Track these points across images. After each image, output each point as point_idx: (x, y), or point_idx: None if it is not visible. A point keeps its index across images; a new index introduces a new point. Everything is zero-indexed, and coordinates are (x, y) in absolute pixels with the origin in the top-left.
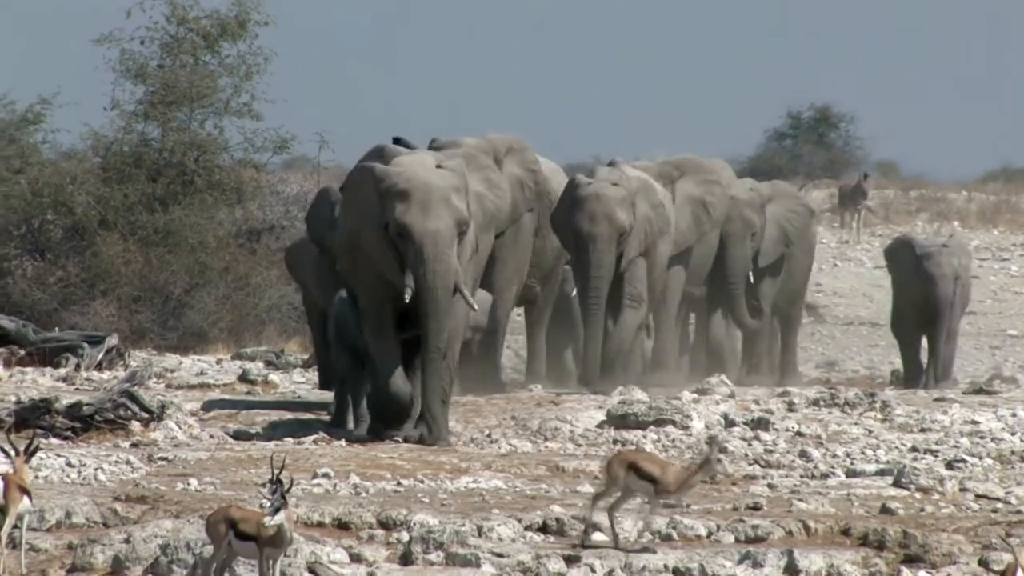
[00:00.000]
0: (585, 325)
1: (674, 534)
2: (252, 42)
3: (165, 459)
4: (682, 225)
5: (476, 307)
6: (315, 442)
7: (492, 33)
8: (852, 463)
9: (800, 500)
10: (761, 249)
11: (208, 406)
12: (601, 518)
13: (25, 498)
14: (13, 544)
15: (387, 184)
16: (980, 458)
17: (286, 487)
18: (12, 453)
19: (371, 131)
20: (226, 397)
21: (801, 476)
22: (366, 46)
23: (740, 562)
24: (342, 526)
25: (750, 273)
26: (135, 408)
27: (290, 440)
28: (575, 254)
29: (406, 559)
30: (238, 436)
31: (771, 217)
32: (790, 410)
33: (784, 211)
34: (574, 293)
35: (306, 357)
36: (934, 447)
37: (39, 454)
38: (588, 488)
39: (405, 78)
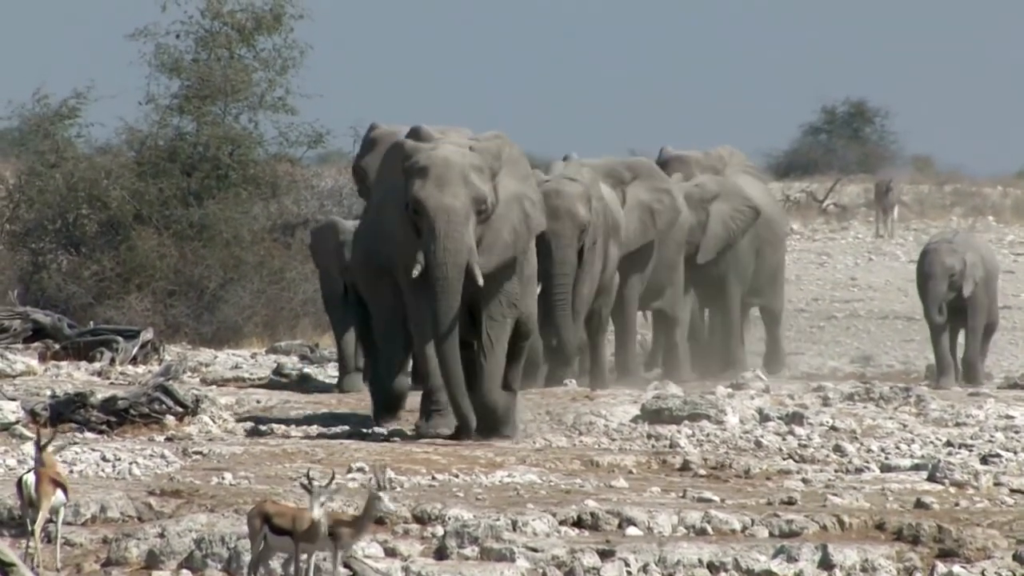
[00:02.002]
0: (555, 323)
1: (708, 528)
2: (287, 36)
3: (199, 453)
4: (628, 229)
5: (482, 283)
6: (349, 436)
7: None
8: (887, 458)
9: (834, 495)
10: (701, 245)
11: (243, 400)
12: (636, 512)
13: (59, 491)
14: (48, 538)
15: (411, 161)
16: (1015, 453)
17: (327, 482)
18: (38, 445)
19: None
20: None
21: (835, 471)
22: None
23: (774, 556)
24: (377, 520)
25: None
26: (169, 402)
27: (325, 434)
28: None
29: (441, 553)
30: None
31: (716, 215)
32: (825, 405)
33: (730, 210)
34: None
35: None
36: (969, 442)
37: (75, 448)
38: (623, 482)
39: (441, 71)
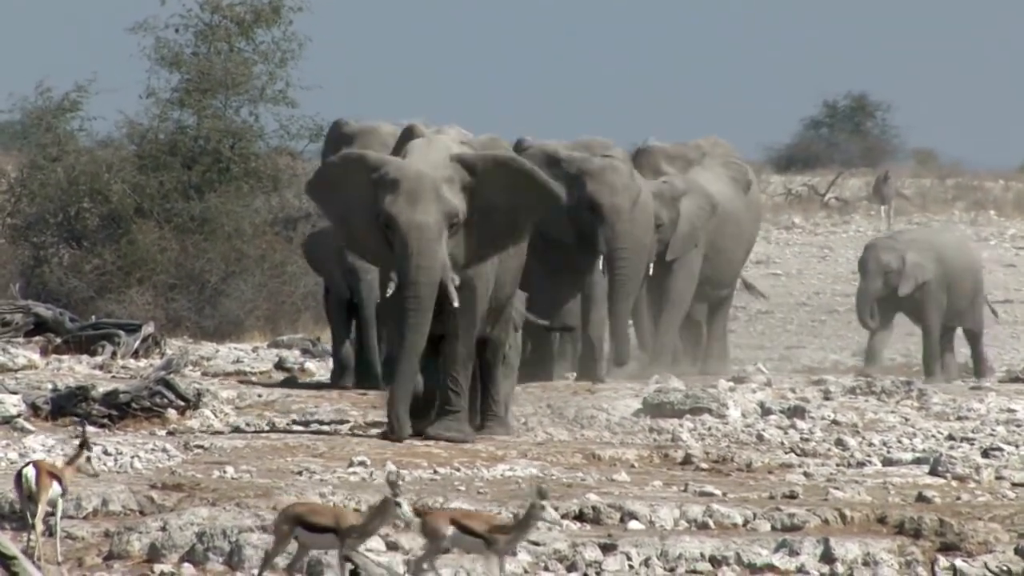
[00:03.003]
0: (614, 303)
1: (710, 522)
2: (286, 28)
3: (201, 447)
4: None
5: (457, 303)
6: (351, 431)
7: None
8: (888, 451)
9: (836, 488)
10: (670, 243)
11: (243, 395)
12: (637, 506)
13: (55, 483)
14: (49, 532)
15: (379, 174)
16: (1016, 446)
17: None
18: (83, 444)
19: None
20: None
21: (837, 464)
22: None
23: (776, 550)
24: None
25: (650, 265)
26: (171, 396)
27: (326, 428)
28: None
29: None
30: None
31: (684, 213)
32: (826, 398)
33: (695, 207)
34: None
35: None
36: (970, 435)
37: (76, 441)
38: (624, 476)
39: (440, 62)
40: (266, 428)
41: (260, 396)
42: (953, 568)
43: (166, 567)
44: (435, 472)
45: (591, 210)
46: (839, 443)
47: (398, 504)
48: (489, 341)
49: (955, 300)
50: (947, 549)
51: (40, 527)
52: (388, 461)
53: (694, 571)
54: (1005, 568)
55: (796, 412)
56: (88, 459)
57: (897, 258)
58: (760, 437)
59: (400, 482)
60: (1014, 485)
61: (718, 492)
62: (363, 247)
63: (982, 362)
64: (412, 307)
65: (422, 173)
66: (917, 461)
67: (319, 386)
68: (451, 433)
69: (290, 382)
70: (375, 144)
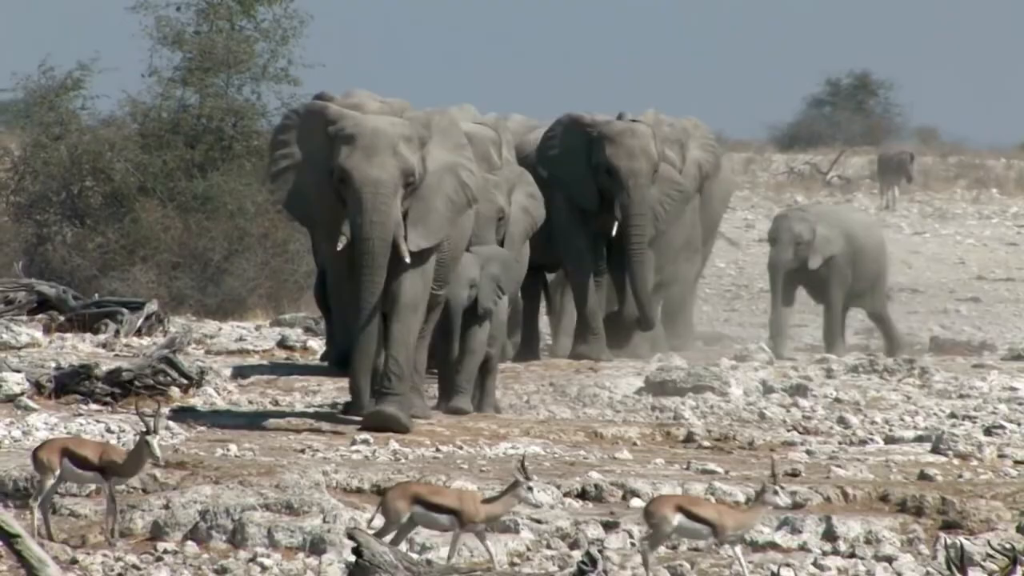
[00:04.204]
0: (631, 273)
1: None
2: (287, 6)
3: (204, 425)
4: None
5: (408, 259)
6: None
7: None
8: (890, 429)
9: (838, 466)
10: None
11: (243, 371)
12: (640, 484)
13: (65, 461)
14: (53, 509)
15: (336, 127)
16: (1018, 424)
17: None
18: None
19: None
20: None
21: (839, 442)
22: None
23: (778, 528)
24: (382, 492)
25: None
26: (174, 374)
27: (328, 406)
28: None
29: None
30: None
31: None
32: (828, 377)
33: (660, 195)
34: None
35: None
36: (972, 413)
37: (79, 420)
38: (627, 454)
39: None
40: (269, 406)
41: (263, 374)
42: (955, 546)
43: (169, 545)
44: (437, 450)
45: (608, 174)
46: (841, 421)
47: (529, 488)
48: (448, 304)
49: (859, 280)
50: (949, 527)
51: (43, 504)
52: (391, 439)
53: (696, 549)
54: (1007, 546)
55: (798, 390)
56: (148, 443)
57: (808, 230)
58: (762, 415)
59: (529, 466)
60: (1016, 463)
61: (720, 470)
62: (308, 203)
63: (894, 340)
64: (366, 263)
65: (379, 128)
66: (919, 439)
67: (319, 369)
68: (391, 413)
69: (293, 359)
70: None
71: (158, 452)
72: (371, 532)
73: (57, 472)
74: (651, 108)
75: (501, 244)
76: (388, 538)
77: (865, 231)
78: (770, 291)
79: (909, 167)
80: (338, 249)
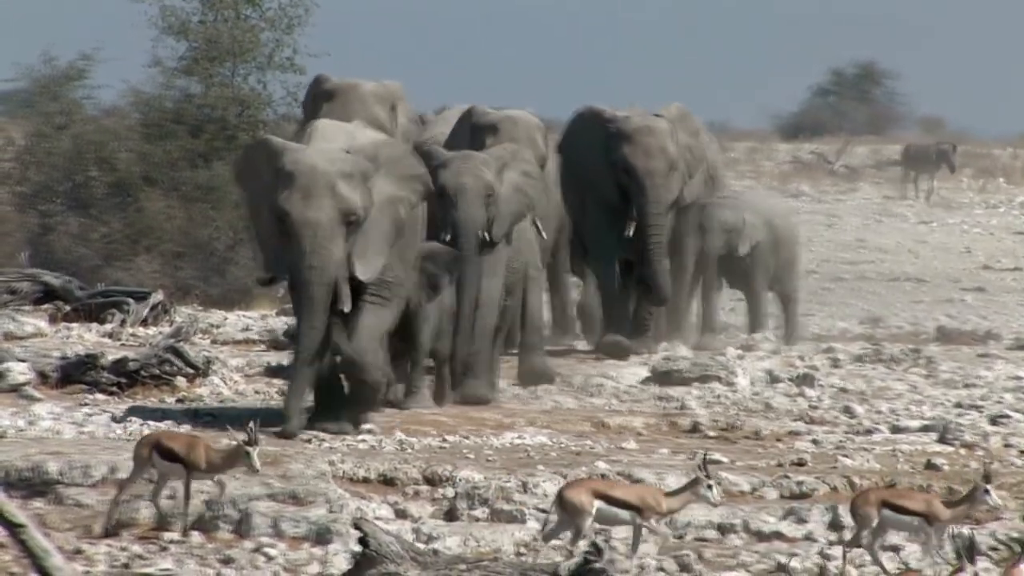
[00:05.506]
0: (649, 268)
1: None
2: None
3: (210, 415)
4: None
5: (348, 308)
6: None
7: None
8: (896, 419)
9: (844, 456)
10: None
11: (253, 362)
12: (645, 474)
13: (154, 455)
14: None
15: (278, 164)
16: None
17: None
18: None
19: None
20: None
21: (845, 432)
22: None
23: (784, 518)
24: (387, 482)
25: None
26: (180, 364)
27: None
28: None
29: (451, 515)
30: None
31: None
32: (834, 366)
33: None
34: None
35: None
36: (978, 403)
37: (84, 409)
38: (632, 444)
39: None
40: (276, 396)
41: (269, 363)
42: (961, 536)
43: (174, 535)
44: (444, 440)
45: (625, 172)
46: (847, 411)
47: (708, 487)
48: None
49: (778, 265)
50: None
51: (159, 499)
52: (396, 429)
53: (702, 539)
54: (1013, 535)
55: (804, 380)
56: (248, 454)
57: (737, 217)
58: (768, 405)
59: (711, 463)
60: (1022, 452)
61: (726, 460)
62: (266, 238)
63: (796, 327)
64: (305, 307)
65: (317, 168)
66: (925, 429)
67: None
68: (331, 425)
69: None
70: (354, 101)
71: (258, 465)
72: (544, 533)
73: (150, 464)
74: (675, 102)
75: (491, 224)
76: (566, 536)
77: (783, 217)
78: (704, 280)
79: (952, 157)
80: (279, 295)
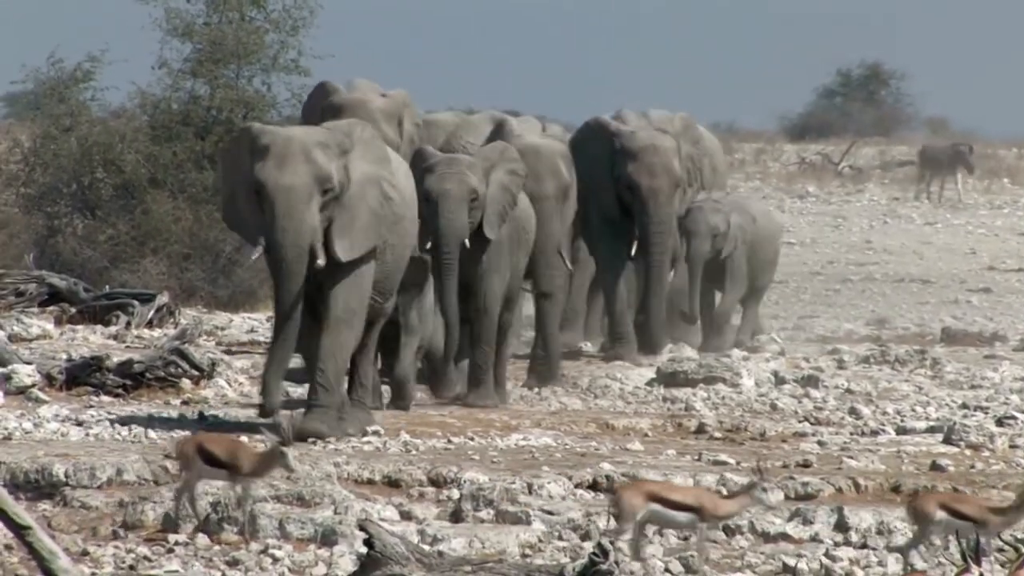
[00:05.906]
0: (650, 288)
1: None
2: None
3: (216, 417)
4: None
5: (323, 262)
6: None
7: None
8: (902, 420)
9: (850, 457)
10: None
11: (259, 364)
12: (651, 475)
13: (197, 460)
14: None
15: (255, 143)
16: None
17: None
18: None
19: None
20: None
21: (851, 433)
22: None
23: (790, 519)
24: (392, 484)
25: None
26: (185, 366)
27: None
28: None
29: (456, 516)
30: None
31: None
32: (840, 367)
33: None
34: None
35: None
36: (984, 404)
37: (91, 411)
38: (638, 445)
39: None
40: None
41: None
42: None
43: (180, 537)
44: (449, 442)
45: (629, 190)
46: (853, 412)
47: (764, 490)
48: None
49: (756, 265)
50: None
51: (184, 498)
52: (401, 431)
53: (707, 540)
54: (1019, 536)
55: (810, 381)
56: (284, 455)
57: (724, 221)
58: (774, 406)
59: (766, 468)
60: None
61: (732, 461)
62: (244, 223)
63: (753, 324)
64: (280, 271)
65: (291, 137)
66: (931, 430)
67: None
68: (315, 427)
69: None
70: (362, 116)
71: (295, 466)
72: (605, 534)
73: (196, 467)
74: (682, 112)
75: (479, 227)
76: (626, 537)
77: (766, 218)
78: (689, 284)
79: (969, 158)
80: (252, 259)
